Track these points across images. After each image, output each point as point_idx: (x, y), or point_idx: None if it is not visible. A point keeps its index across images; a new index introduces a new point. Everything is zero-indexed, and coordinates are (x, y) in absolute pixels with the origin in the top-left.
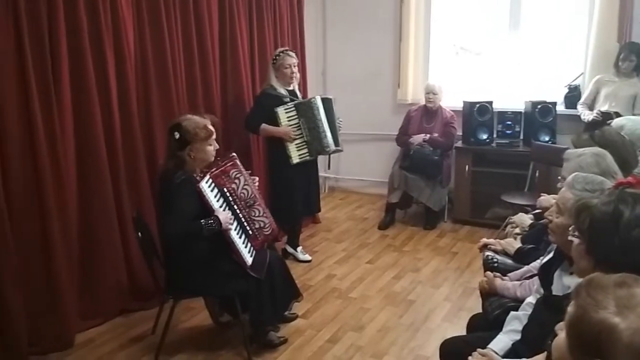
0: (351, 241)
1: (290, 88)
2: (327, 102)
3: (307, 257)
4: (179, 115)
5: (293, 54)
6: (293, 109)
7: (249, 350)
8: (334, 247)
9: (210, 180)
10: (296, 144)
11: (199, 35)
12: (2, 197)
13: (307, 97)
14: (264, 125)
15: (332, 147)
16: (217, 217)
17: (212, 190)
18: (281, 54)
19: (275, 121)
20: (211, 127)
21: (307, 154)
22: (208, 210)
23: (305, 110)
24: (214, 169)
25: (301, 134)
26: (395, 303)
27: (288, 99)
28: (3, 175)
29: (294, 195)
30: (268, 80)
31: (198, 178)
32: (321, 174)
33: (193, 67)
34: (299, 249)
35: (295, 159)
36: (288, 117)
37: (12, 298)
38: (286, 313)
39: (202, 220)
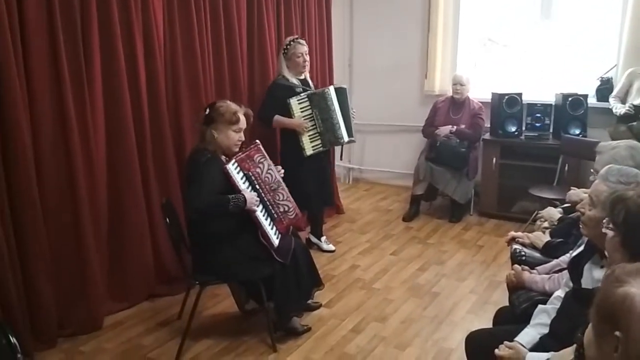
0: (375, 232)
1: (302, 77)
2: (340, 92)
3: (331, 247)
4: (206, 102)
5: (304, 42)
6: (306, 99)
7: (273, 337)
8: (358, 238)
9: (236, 164)
10: (309, 135)
11: (227, 28)
12: (35, 184)
13: (321, 87)
14: (277, 117)
15: (346, 138)
16: (243, 194)
17: (238, 173)
18: (292, 42)
19: (288, 112)
20: (240, 116)
21: (320, 145)
22: (234, 191)
23: (318, 100)
24: (239, 154)
25: (314, 125)
26: (420, 295)
27: (300, 89)
28: (37, 164)
29: (307, 187)
30: (279, 71)
31: (225, 160)
32: (345, 164)
33: (221, 59)
34: (323, 238)
35: (309, 151)
36: (301, 108)
37: (43, 282)
38: (310, 302)
39: (229, 195)
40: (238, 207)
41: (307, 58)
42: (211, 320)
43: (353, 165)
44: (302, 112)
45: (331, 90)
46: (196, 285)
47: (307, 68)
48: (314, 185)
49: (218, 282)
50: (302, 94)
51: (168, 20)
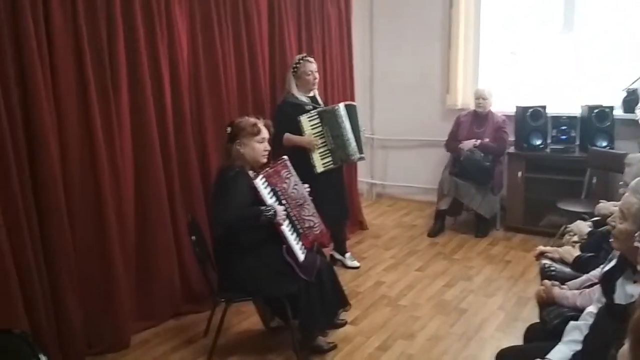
0: (400, 248)
1: (311, 95)
2: (350, 109)
3: (356, 263)
4: (229, 118)
5: (312, 60)
6: (316, 117)
7: (299, 355)
8: (382, 254)
9: (264, 179)
10: (320, 153)
11: (249, 44)
12: (63, 203)
13: (330, 105)
14: (287, 135)
15: (357, 155)
16: (274, 207)
17: (265, 188)
18: (301, 61)
19: (298, 130)
20: (261, 127)
21: (331, 162)
22: (261, 205)
23: (329, 118)
24: (267, 169)
25: (325, 142)
26: (446, 312)
27: (310, 107)
28: (64, 180)
29: (324, 203)
30: (288, 89)
31: (252, 175)
32: (368, 180)
33: (243, 75)
34: (347, 255)
35: (320, 168)
36: (312, 125)
37: (71, 301)
38: (335, 319)
39: (261, 207)
40: (269, 220)
41: (317, 75)
42: (237, 338)
43: (376, 181)
44: (312, 129)
45: (341, 107)
46: (222, 302)
47: (316, 85)
48: (327, 202)
49: (243, 299)
50: (312, 112)
51: (191, 40)
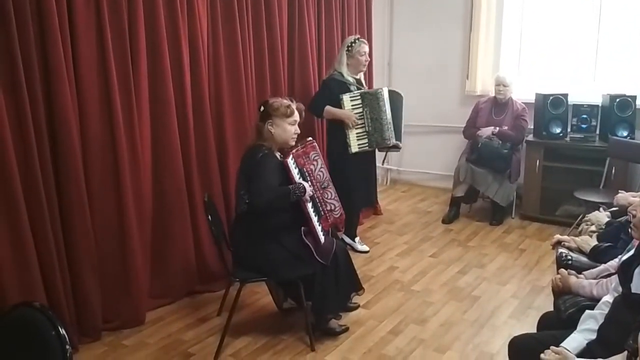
0: (414, 234)
1: (358, 77)
2: (394, 96)
3: (365, 247)
4: (247, 103)
5: (366, 42)
6: (359, 97)
7: (311, 337)
8: (395, 239)
9: (293, 159)
10: (357, 133)
11: (268, 28)
12: (83, 183)
13: (374, 88)
14: (328, 107)
15: (393, 140)
16: (302, 184)
17: (295, 168)
18: (357, 41)
19: (339, 107)
20: (294, 109)
21: (366, 144)
22: (290, 184)
23: (370, 100)
24: (296, 149)
25: (363, 123)
26: (460, 298)
27: (354, 87)
28: (84, 161)
29: (352, 186)
30: (337, 66)
31: (279, 157)
32: (383, 165)
33: (262, 58)
34: (357, 239)
35: (355, 148)
36: (353, 105)
37: (89, 278)
38: (348, 303)
39: (290, 186)
40: (298, 197)
41: (369, 58)
42: (250, 318)
43: (391, 167)
44: (353, 109)
45: (384, 91)
46: (236, 282)
47: (365, 67)
48: (358, 183)
49: (258, 280)
50: (355, 91)
51: (212, 25)
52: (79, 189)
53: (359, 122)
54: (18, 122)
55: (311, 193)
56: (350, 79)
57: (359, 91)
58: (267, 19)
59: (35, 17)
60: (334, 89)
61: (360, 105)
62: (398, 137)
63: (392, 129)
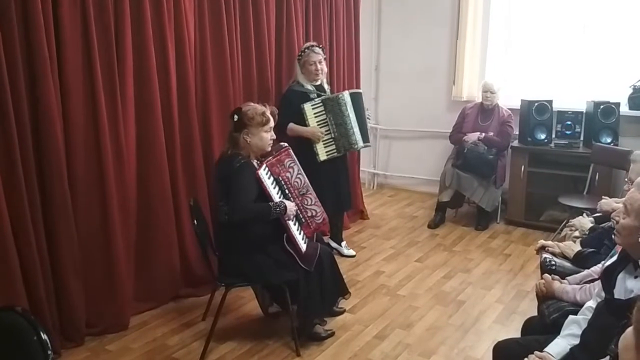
0: (400, 239)
1: (317, 83)
2: (355, 97)
3: (352, 252)
4: (234, 105)
5: (319, 50)
6: (320, 104)
7: (297, 342)
8: (382, 244)
9: (267, 169)
10: (323, 141)
11: (256, 32)
12: (67, 186)
13: (336, 93)
14: (291, 125)
15: (361, 143)
16: (283, 202)
17: (269, 178)
18: (306, 50)
19: (302, 117)
20: (269, 115)
21: (334, 151)
22: (266, 197)
23: (332, 106)
24: (270, 158)
25: (328, 130)
26: (445, 303)
27: (315, 95)
28: (68, 164)
29: (322, 193)
30: (294, 77)
31: (256, 165)
32: (370, 170)
33: (250, 63)
34: (343, 243)
35: (322, 156)
36: (315, 114)
37: (73, 282)
38: (334, 307)
39: (270, 203)
40: (278, 215)
41: (321, 66)
42: (235, 323)
43: (378, 171)
44: (316, 117)
45: (345, 95)
46: (221, 287)
47: (323, 75)
48: (329, 190)
49: (243, 285)
50: (316, 100)
51: (199, 25)
52: (63, 193)
53: (324, 130)
54: (1, 125)
55: (294, 211)
56: (310, 87)
57: (319, 98)
58: (255, 20)
59: (20, 17)
60: (294, 101)
61: (323, 112)
62: (365, 139)
63: (359, 131)
